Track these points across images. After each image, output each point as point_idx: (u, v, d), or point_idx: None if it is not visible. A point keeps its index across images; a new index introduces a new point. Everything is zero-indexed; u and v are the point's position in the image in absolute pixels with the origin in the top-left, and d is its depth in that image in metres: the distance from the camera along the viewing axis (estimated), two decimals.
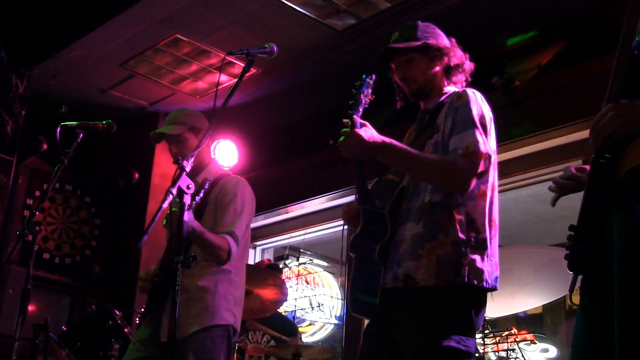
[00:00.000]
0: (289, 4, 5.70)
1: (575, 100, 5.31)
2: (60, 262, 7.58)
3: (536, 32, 5.83)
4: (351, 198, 6.72)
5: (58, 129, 3.70)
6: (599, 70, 5.18)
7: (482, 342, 4.98)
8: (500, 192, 6.28)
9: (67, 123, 3.79)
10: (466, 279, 2.58)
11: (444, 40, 2.94)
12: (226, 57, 3.17)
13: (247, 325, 5.43)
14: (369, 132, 2.62)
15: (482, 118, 2.72)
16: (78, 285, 7.67)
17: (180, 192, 2.64)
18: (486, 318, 5.18)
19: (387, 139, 2.63)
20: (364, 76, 2.76)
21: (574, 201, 2.68)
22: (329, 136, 6.91)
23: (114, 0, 5.84)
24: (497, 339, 4.91)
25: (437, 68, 2.91)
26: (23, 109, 6.54)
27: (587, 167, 2.45)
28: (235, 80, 6.35)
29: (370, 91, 2.75)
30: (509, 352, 4.78)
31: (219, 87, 6.95)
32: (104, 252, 7.88)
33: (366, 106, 2.73)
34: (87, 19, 6.14)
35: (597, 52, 5.28)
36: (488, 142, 2.68)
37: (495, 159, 2.79)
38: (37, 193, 7.52)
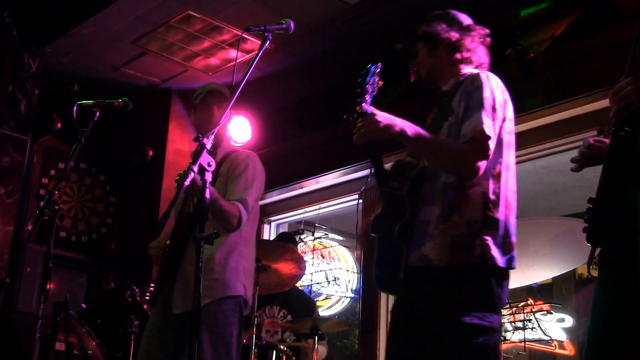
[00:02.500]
0: None
1: (589, 71, 5.29)
2: (77, 240, 7.64)
3: (549, 3, 5.78)
4: (365, 172, 6.73)
5: (75, 108, 3.72)
6: (613, 41, 5.16)
7: None
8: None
9: (83, 102, 3.81)
10: (479, 259, 2.62)
11: (442, 25, 2.98)
12: (243, 34, 3.16)
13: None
14: (382, 114, 2.68)
15: (492, 101, 2.76)
16: (94, 263, 7.73)
17: (202, 170, 2.66)
18: None
19: (403, 121, 2.69)
20: (369, 65, 2.80)
21: (586, 172, 2.70)
22: (343, 110, 6.92)
23: None
24: (514, 309, 4.93)
25: (440, 52, 2.97)
26: (36, 88, 6.56)
27: (606, 140, 2.46)
28: (249, 56, 6.41)
29: (377, 79, 2.79)
30: (525, 322, 4.81)
31: (230, 65, 6.99)
32: (120, 230, 7.94)
33: (375, 93, 2.77)
34: None
35: (611, 23, 5.24)
36: (494, 125, 2.72)
37: (511, 140, 2.83)
38: (52, 172, 7.57)
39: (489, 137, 2.67)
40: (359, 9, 6.04)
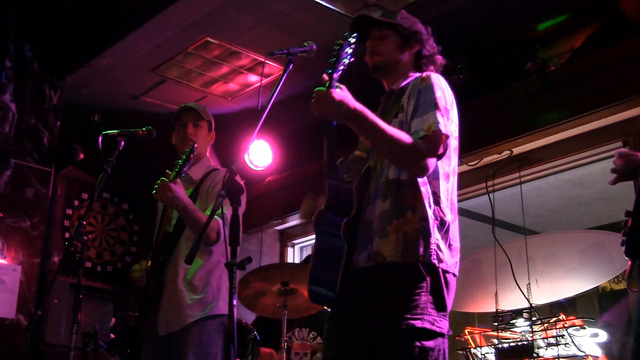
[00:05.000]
0: (317, 0, 5.69)
1: (611, 82, 5.25)
2: (102, 270, 7.66)
3: (567, 15, 5.76)
4: None
5: (100, 138, 3.74)
6: (634, 51, 5.13)
7: (530, 329, 4.95)
8: (537, 178, 6.28)
9: (108, 132, 3.84)
10: (433, 259, 2.59)
11: (420, 29, 2.99)
12: (266, 58, 3.17)
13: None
14: (342, 95, 2.61)
15: (445, 102, 2.74)
16: (120, 292, 7.75)
17: (231, 194, 2.66)
18: (532, 305, 5.15)
19: (360, 106, 2.61)
20: (346, 34, 2.73)
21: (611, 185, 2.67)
22: None
23: (144, 6, 5.86)
24: (546, 325, 4.85)
25: (407, 52, 2.96)
26: (58, 120, 6.60)
27: (637, 152, 2.44)
28: (268, 80, 6.42)
29: (351, 51, 2.71)
30: (558, 338, 4.73)
31: (249, 89, 7.01)
32: (144, 258, 7.94)
33: (345, 68, 2.70)
34: (118, 26, 6.17)
35: (630, 32, 5.22)
36: (449, 125, 2.70)
37: (456, 145, 2.81)
38: (76, 202, 7.60)
39: (446, 136, 2.66)
40: None
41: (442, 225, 2.67)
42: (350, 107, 2.59)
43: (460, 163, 5.85)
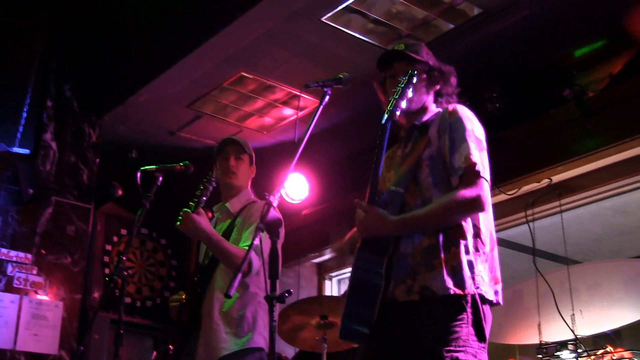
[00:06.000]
0: (350, 32, 5.72)
1: None
2: (142, 305, 7.68)
3: (605, 41, 5.70)
4: None
5: (138, 174, 3.78)
6: None
7: None
8: (578, 206, 6.18)
9: (146, 167, 3.88)
10: (480, 290, 2.60)
11: (443, 67, 3.00)
12: (302, 91, 3.19)
13: None
14: (375, 219, 2.66)
15: (476, 132, 2.78)
16: (159, 327, 7.75)
17: (270, 228, 2.65)
18: (578, 336, 5.03)
19: (395, 219, 2.66)
20: (409, 71, 2.79)
21: None
22: None
23: (179, 44, 5.93)
24: (592, 357, 4.73)
25: (432, 90, 2.97)
26: (97, 157, 6.68)
27: None
28: (304, 112, 6.44)
29: (412, 89, 2.77)
30: None
31: (283, 123, 7.03)
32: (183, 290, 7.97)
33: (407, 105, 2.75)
34: (153, 64, 6.25)
35: None
36: (482, 155, 2.73)
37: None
38: (115, 238, 7.65)
39: (479, 170, 2.67)
40: None
41: (483, 256, 2.68)
42: (393, 226, 2.65)
43: (499, 192, 5.79)
